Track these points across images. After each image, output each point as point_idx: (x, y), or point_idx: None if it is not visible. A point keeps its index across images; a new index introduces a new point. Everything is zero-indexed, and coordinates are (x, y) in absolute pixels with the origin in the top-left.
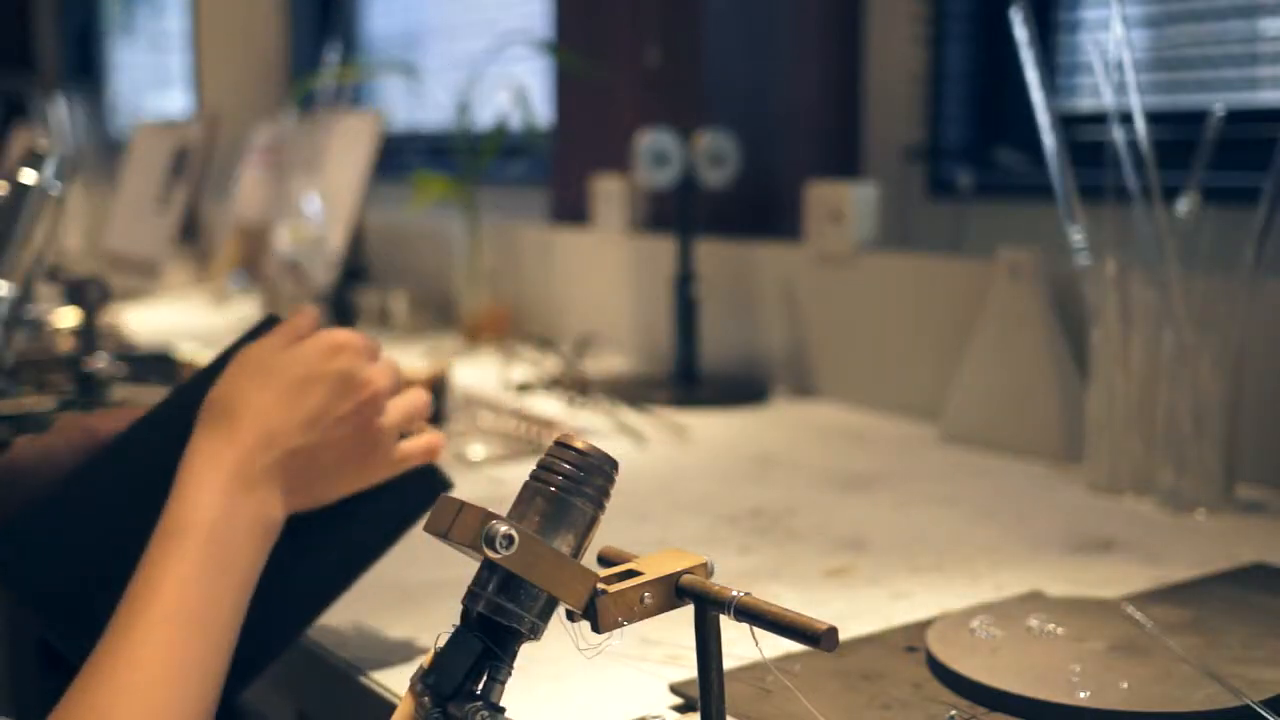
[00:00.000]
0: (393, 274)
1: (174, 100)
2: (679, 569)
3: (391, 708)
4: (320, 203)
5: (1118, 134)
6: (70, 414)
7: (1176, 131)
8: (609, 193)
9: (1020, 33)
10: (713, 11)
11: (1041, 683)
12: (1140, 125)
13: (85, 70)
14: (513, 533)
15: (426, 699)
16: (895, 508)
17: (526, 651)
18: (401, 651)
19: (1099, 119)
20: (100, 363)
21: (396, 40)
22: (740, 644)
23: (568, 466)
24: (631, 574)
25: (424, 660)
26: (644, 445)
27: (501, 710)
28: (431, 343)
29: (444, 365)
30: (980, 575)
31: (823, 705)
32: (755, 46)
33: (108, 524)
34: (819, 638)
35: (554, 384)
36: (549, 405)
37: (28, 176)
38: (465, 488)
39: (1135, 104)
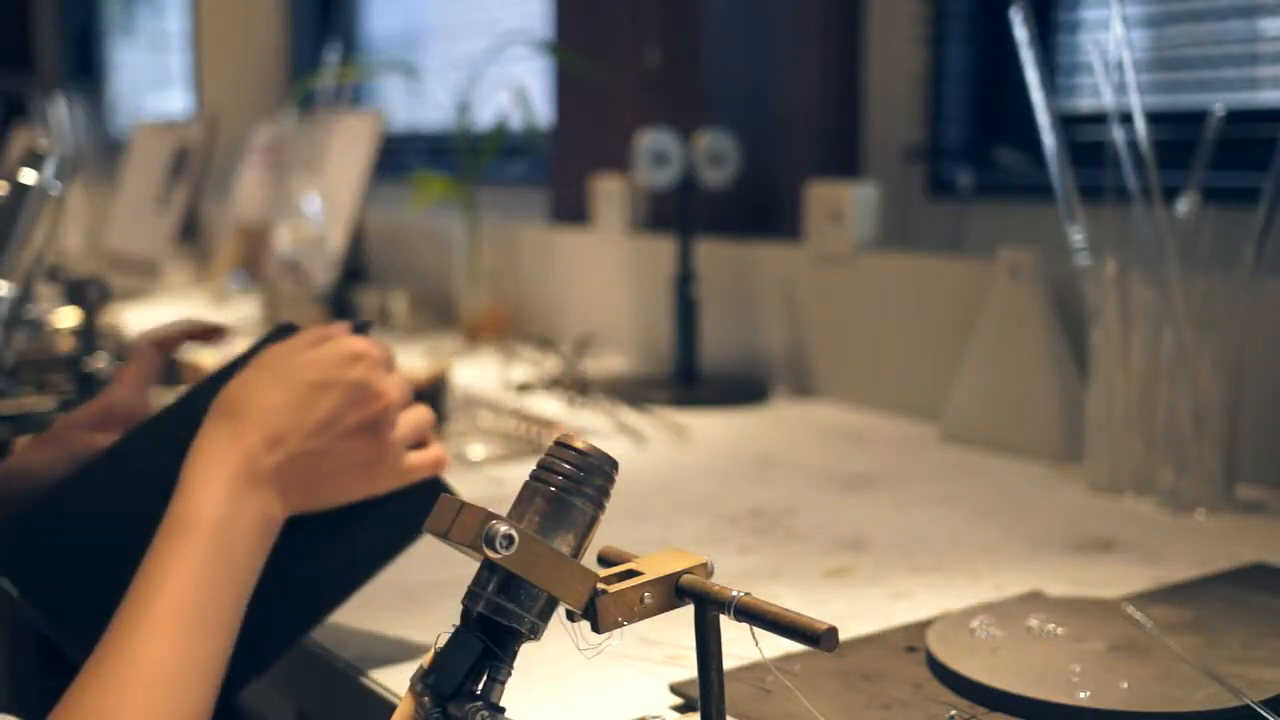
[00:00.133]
0: (393, 274)
1: (174, 100)
2: (679, 569)
3: (391, 708)
4: (320, 203)
5: (1118, 134)
6: (73, 422)
7: (1176, 131)
8: (609, 193)
9: (1020, 33)
10: (713, 11)
11: (1041, 683)
12: (1140, 125)
13: (85, 70)
14: (513, 533)
15: (426, 699)
16: (895, 508)
17: (526, 651)
18: (401, 651)
19: (1099, 119)
20: (100, 363)
21: (396, 40)
22: (740, 644)
23: (568, 466)
24: (631, 574)
25: (424, 660)
26: (644, 445)
27: (501, 710)
28: (431, 343)
29: (444, 365)
30: (980, 575)
31: (823, 705)
32: (755, 46)
33: (113, 520)
34: (819, 638)
35: (554, 384)
36: (549, 405)
37: (28, 176)
38: (465, 488)
39: (1135, 104)
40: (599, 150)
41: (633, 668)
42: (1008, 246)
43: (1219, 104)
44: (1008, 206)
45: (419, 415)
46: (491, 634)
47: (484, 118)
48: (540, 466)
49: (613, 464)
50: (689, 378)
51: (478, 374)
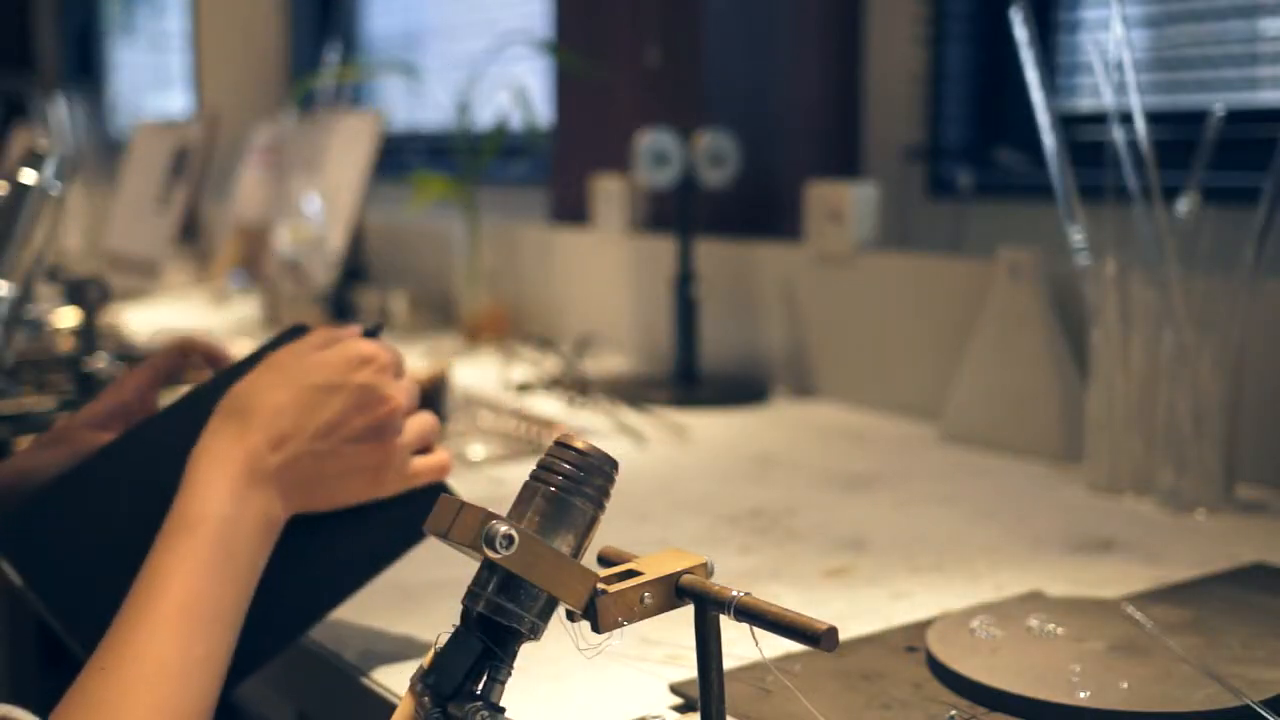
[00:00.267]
0: (393, 274)
1: (174, 100)
2: (679, 569)
3: (391, 708)
4: (320, 203)
5: (1118, 134)
6: (78, 421)
7: (1176, 131)
8: (609, 193)
9: (1020, 33)
10: (713, 11)
11: (1041, 683)
12: (1140, 125)
13: (85, 70)
14: (513, 533)
15: (426, 699)
16: (895, 508)
17: (526, 651)
18: (401, 651)
19: (1099, 119)
20: (100, 363)
21: (396, 40)
22: (740, 644)
23: (568, 466)
24: (631, 574)
25: (424, 660)
26: (644, 445)
27: (501, 710)
28: (431, 343)
29: (444, 365)
30: (980, 575)
31: (823, 705)
32: (755, 46)
33: (116, 512)
34: (819, 638)
35: (554, 384)
36: (549, 405)
37: (28, 176)
38: (465, 488)
39: (1135, 104)
40: (599, 150)
41: (633, 668)
42: (1008, 246)
43: (1219, 104)
44: (1008, 206)
45: (425, 421)
46: (491, 634)
47: (484, 118)
48: (540, 466)
49: (613, 464)
50: (689, 378)
51: (478, 374)
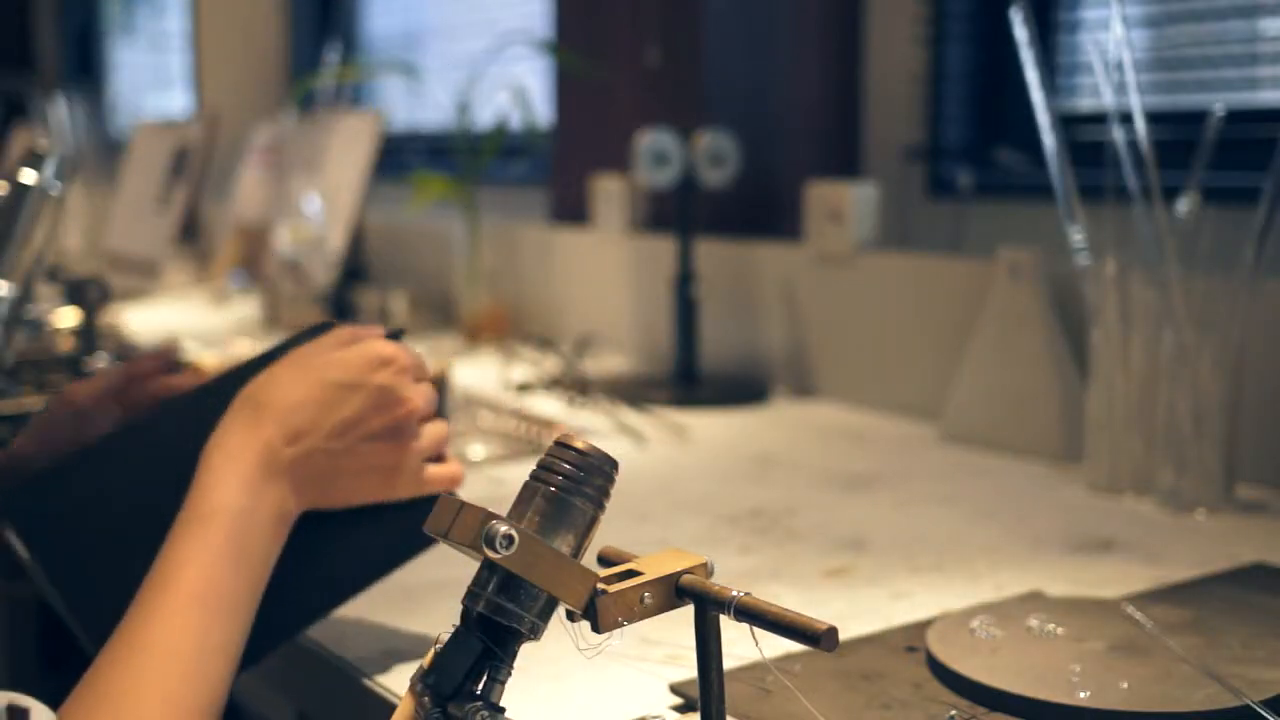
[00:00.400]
0: (393, 274)
1: (174, 100)
2: (679, 569)
3: (391, 708)
4: (320, 203)
5: (1118, 134)
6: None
7: (1176, 131)
8: (609, 193)
9: (1020, 33)
10: (713, 11)
11: (1041, 683)
12: (1140, 125)
13: (85, 70)
14: (513, 533)
15: (426, 699)
16: (895, 508)
17: (526, 651)
18: (401, 651)
19: (1099, 119)
20: (100, 363)
21: (396, 40)
22: (740, 644)
23: (568, 466)
24: (631, 574)
25: (424, 660)
26: (644, 445)
27: (501, 710)
28: (431, 343)
29: (444, 365)
30: (980, 575)
31: (823, 705)
32: (755, 46)
33: (129, 498)
34: (819, 638)
35: (554, 384)
36: (549, 405)
37: (28, 176)
38: (465, 488)
39: (1135, 104)
40: (599, 150)
41: (633, 668)
42: (1008, 246)
43: (1219, 104)
44: (1008, 206)
45: (440, 429)
46: (491, 634)
47: (484, 118)
48: (540, 466)
49: (613, 464)
50: (689, 378)
51: (478, 374)
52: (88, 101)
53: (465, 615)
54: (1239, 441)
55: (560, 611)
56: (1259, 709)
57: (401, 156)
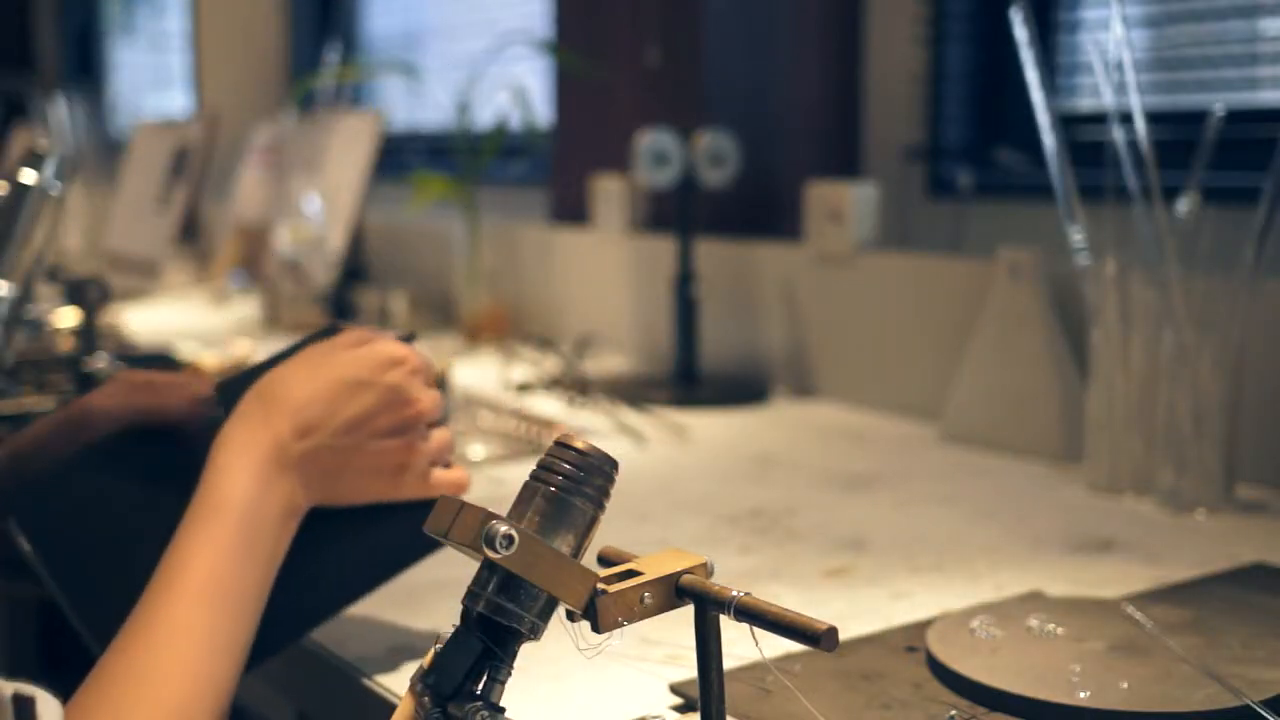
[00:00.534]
0: (393, 274)
1: (174, 100)
2: (679, 569)
3: (391, 708)
4: (320, 203)
5: (1118, 134)
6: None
7: (1176, 131)
8: (609, 193)
9: (1020, 33)
10: (713, 11)
11: (1041, 683)
12: (1140, 125)
13: (85, 70)
14: (513, 533)
15: (426, 699)
16: (895, 508)
17: (526, 651)
18: (402, 651)
19: (1099, 119)
20: (100, 363)
21: (396, 40)
22: (740, 644)
23: (568, 466)
24: (631, 574)
25: (424, 660)
26: (644, 445)
27: (501, 710)
28: (431, 343)
29: (444, 365)
30: (980, 575)
31: (823, 705)
32: (755, 46)
33: (132, 496)
34: (819, 638)
35: (554, 384)
36: (549, 405)
37: (28, 176)
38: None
39: (1135, 104)
40: (599, 150)
41: (633, 668)
42: (1008, 246)
43: (1219, 104)
44: (1008, 206)
45: (446, 435)
46: (491, 634)
47: (484, 118)
48: (540, 466)
49: (613, 464)
50: (689, 378)
51: (478, 374)
52: (88, 101)
53: (465, 615)
54: (1239, 441)
55: (560, 611)
56: (1259, 709)
57: (401, 156)
